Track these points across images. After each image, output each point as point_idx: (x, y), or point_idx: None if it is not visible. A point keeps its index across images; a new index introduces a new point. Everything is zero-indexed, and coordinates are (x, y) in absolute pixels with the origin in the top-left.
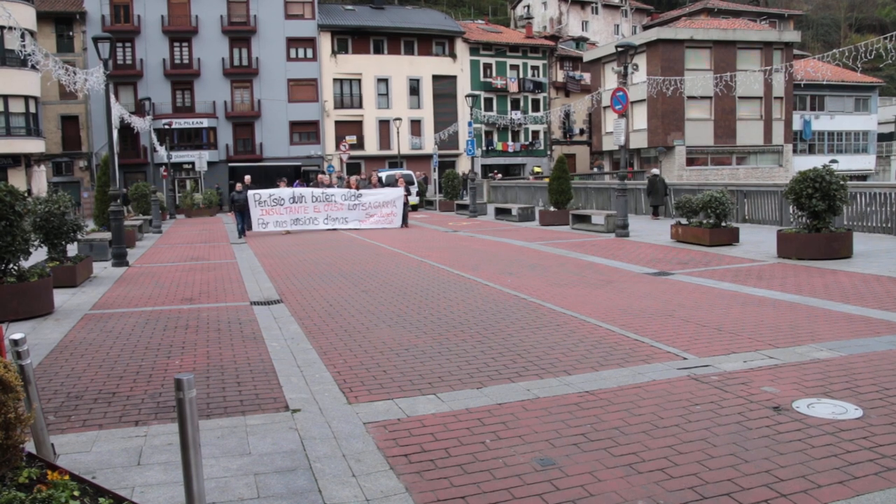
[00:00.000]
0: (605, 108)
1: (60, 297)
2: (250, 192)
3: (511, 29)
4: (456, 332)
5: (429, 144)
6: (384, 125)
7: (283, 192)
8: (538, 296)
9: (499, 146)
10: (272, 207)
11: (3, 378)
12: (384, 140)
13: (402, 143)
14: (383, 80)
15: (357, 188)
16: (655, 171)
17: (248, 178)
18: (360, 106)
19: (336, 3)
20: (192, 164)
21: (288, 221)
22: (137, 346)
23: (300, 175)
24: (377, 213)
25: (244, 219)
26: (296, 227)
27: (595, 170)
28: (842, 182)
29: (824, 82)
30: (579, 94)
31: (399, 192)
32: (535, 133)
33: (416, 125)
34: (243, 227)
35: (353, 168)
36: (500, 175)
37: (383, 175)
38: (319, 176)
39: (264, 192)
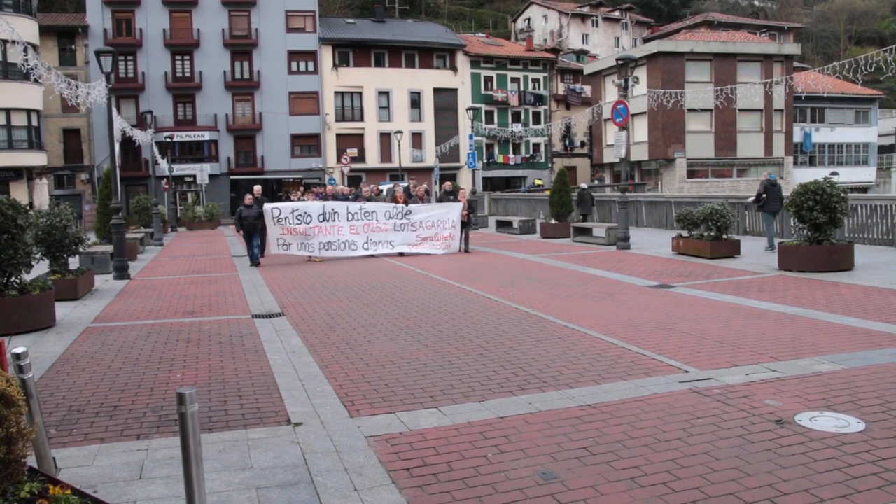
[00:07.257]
0: (605, 120)
1: (62, 310)
2: (267, 206)
3: (512, 42)
4: (458, 346)
5: (430, 157)
6: (385, 138)
7: (311, 206)
8: (540, 308)
9: (500, 159)
10: (295, 226)
11: (6, 392)
12: (385, 153)
13: (404, 155)
14: (384, 93)
15: (405, 202)
16: (584, 185)
17: (258, 188)
18: (362, 119)
19: (337, 16)
20: (194, 176)
21: (316, 245)
22: (139, 360)
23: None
24: (431, 234)
25: (253, 240)
26: (327, 254)
27: (595, 182)
28: (842, 194)
29: (824, 95)
30: (580, 106)
31: (457, 207)
32: (536, 146)
33: (417, 138)
34: (257, 252)
35: (354, 181)
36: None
37: (405, 185)
38: (328, 187)
39: (285, 207)
